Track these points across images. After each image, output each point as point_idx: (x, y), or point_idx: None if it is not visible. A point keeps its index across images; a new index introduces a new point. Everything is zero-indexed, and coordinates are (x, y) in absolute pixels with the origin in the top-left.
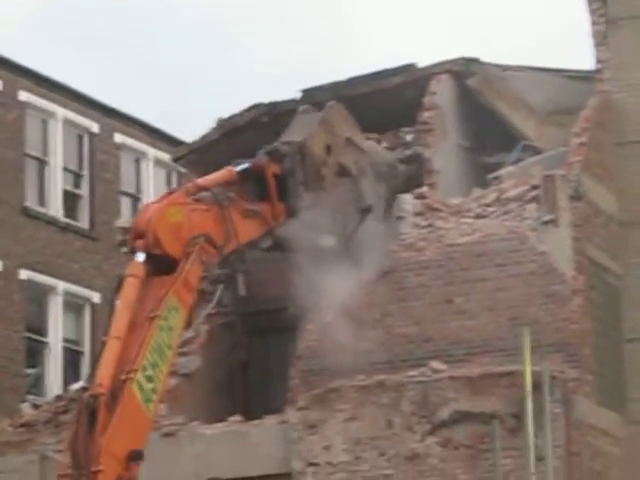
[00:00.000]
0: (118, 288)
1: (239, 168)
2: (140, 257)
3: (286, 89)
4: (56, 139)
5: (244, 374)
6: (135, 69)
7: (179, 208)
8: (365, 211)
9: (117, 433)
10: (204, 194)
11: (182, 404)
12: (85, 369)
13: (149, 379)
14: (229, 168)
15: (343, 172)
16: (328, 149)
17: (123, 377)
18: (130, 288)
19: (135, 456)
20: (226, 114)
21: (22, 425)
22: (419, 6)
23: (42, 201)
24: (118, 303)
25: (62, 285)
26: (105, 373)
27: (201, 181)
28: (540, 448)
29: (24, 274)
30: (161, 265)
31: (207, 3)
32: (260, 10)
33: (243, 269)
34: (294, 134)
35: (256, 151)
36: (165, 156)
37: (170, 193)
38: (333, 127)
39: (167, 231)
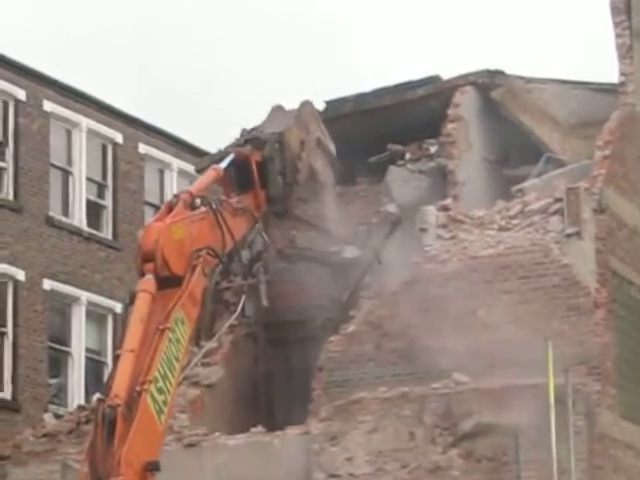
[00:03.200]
0: (131, 303)
1: (225, 164)
2: (149, 278)
3: (310, 100)
4: (80, 149)
5: (267, 385)
6: (160, 80)
7: (180, 224)
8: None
9: (134, 444)
10: (198, 201)
11: (204, 415)
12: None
13: (160, 391)
14: (214, 167)
15: (312, 175)
16: (302, 144)
17: (138, 388)
18: (143, 302)
19: (152, 467)
20: (250, 125)
21: (44, 435)
22: (441, 21)
23: (66, 211)
24: (131, 317)
25: (85, 295)
26: (121, 385)
27: (194, 189)
28: (563, 461)
29: (47, 284)
30: (167, 280)
31: (229, 17)
32: (284, 20)
33: (266, 280)
34: (271, 126)
35: None
36: (189, 167)
37: (169, 207)
38: (307, 124)
39: (173, 251)
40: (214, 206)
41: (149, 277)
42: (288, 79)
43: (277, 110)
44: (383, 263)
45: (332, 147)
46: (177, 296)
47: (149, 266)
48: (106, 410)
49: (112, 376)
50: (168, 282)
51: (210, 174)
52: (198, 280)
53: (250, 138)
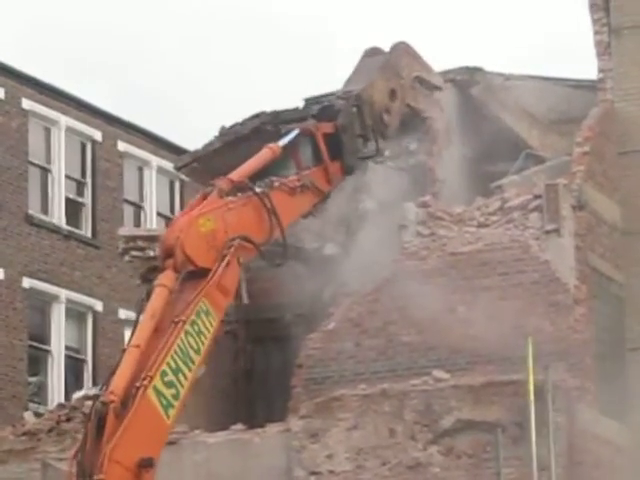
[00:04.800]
0: (147, 298)
1: (285, 141)
2: (168, 273)
3: (288, 98)
4: (59, 147)
5: (247, 382)
6: (139, 78)
7: (210, 215)
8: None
9: (125, 440)
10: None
11: (184, 412)
12: (87, 377)
13: (170, 385)
14: (270, 145)
15: (413, 114)
16: (393, 94)
17: (138, 384)
18: (157, 297)
19: (145, 463)
20: (229, 123)
21: (24, 433)
22: (420, 18)
23: (45, 209)
24: (145, 312)
25: (64, 293)
26: (119, 381)
27: (235, 175)
28: (543, 457)
29: (27, 282)
30: (195, 272)
31: (209, 15)
32: (267, 22)
33: (246, 277)
34: (354, 82)
35: None
36: (168, 164)
37: (204, 195)
38: (398, 69)
39: (200, 244)
40: (259, 189)
41: (168, 272)
42: (270, 80)
43: (369, 55)
44: (361, 259)
45: (437, 79)
46: (200, 287)
47: (169, 262)
48: (97, 406)
49: (112, 372)
50: (197, 274)
51: (264, 154)
52: (230, 269)
53: (325, 106)
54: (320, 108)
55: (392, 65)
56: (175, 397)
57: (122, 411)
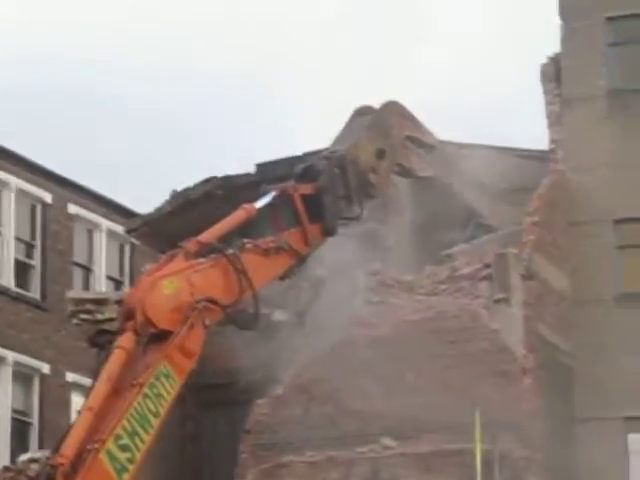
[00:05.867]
0: (105, 359)
1: (260, 204)
2: (128, 335)
3: (239, 164)
4: (9, 209)
5: (194, 447)
6: (90, 141)
7: (174, 277)
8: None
9: None
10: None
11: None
12: (33, 440)
13: (124, 448)
14: (245, 207)
15: (405, 173)
16: (380, 153)
17: (89, 447)
18: (114, 359)
19: None
20: (180, 187)
21: None
22: (374, 80)
23: None
24: (100, 375)
25: (12, 355)
26: (70, 444)
27: (203, 237)
28: None
29: None
30: (159, 335)
31: (156, 85)
32: (218, 80)
33: None
34: (341, 142)
35: (209, 224)
36: (118, 228)
37: (171, 257)
38: (387, 128)
39: (162, 306)
40: (228, 251)
41: (128, 334)
42: (220, 140)
43: (359, 114)
44: (311, 326)
45: (431, 138)
46: (160, 350)
47: (130, 324)
48: (46, 469)
49: (64, 435)
50: (161, 337)
51: (238, 215)
52: (194, 332)
53: (306, 167)
54: (302, 169)
55: (380, 124)
56: (130, 461)
57: (72, 475)
